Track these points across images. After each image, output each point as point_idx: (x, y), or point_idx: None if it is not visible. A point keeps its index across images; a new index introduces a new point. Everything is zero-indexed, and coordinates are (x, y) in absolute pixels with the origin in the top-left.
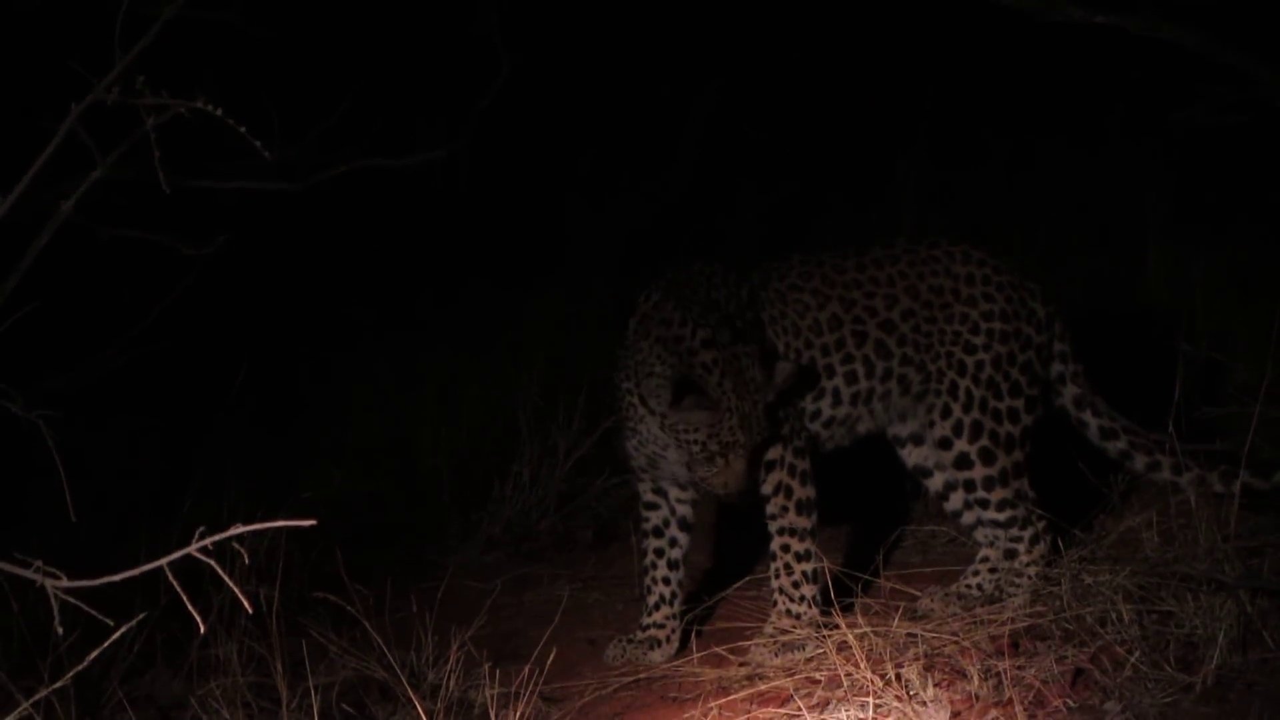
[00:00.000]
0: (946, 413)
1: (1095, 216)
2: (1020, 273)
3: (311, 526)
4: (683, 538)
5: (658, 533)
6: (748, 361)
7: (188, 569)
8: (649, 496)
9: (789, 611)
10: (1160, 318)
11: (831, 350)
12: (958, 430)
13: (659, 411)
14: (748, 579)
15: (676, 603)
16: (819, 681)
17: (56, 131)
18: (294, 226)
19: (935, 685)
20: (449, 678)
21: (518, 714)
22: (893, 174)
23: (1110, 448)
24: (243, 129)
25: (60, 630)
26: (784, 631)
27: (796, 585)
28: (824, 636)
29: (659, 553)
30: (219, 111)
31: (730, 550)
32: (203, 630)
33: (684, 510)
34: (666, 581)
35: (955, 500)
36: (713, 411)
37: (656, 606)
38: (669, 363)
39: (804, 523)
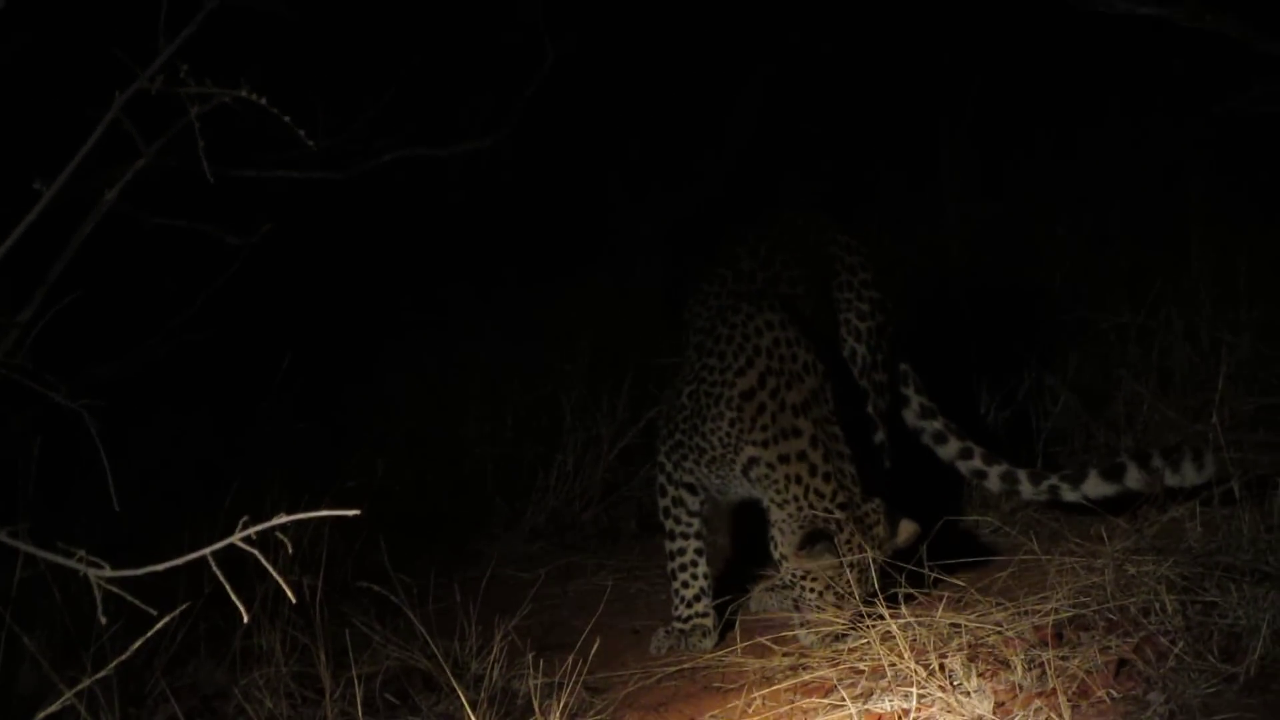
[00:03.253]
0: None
1: (1139, 204)
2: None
3: (355, 516)
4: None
5: (699, 535)
6: (875, 519)
7: (231, 558)
8: (695, 506)
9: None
10: (1204, 307)
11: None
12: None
13: (780, 549)
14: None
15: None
16: (863, 672)
17: (100, 120)
18: (338, 216)
19: (979, 675)
20: (492, 667)
21: (561, 704)
22: (937, 161)
23: (928, 427)
24: (287, 118)
25: (103, 620)
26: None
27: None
28: (868, 627)
29: (699, 551)
30: (263, 100)
31: (764, 541)
32: (246, 620)
33: None
34: (707, 576)
35: None
36: (834, 564)
37: (697, 598)
38: (805, 508)
39: None
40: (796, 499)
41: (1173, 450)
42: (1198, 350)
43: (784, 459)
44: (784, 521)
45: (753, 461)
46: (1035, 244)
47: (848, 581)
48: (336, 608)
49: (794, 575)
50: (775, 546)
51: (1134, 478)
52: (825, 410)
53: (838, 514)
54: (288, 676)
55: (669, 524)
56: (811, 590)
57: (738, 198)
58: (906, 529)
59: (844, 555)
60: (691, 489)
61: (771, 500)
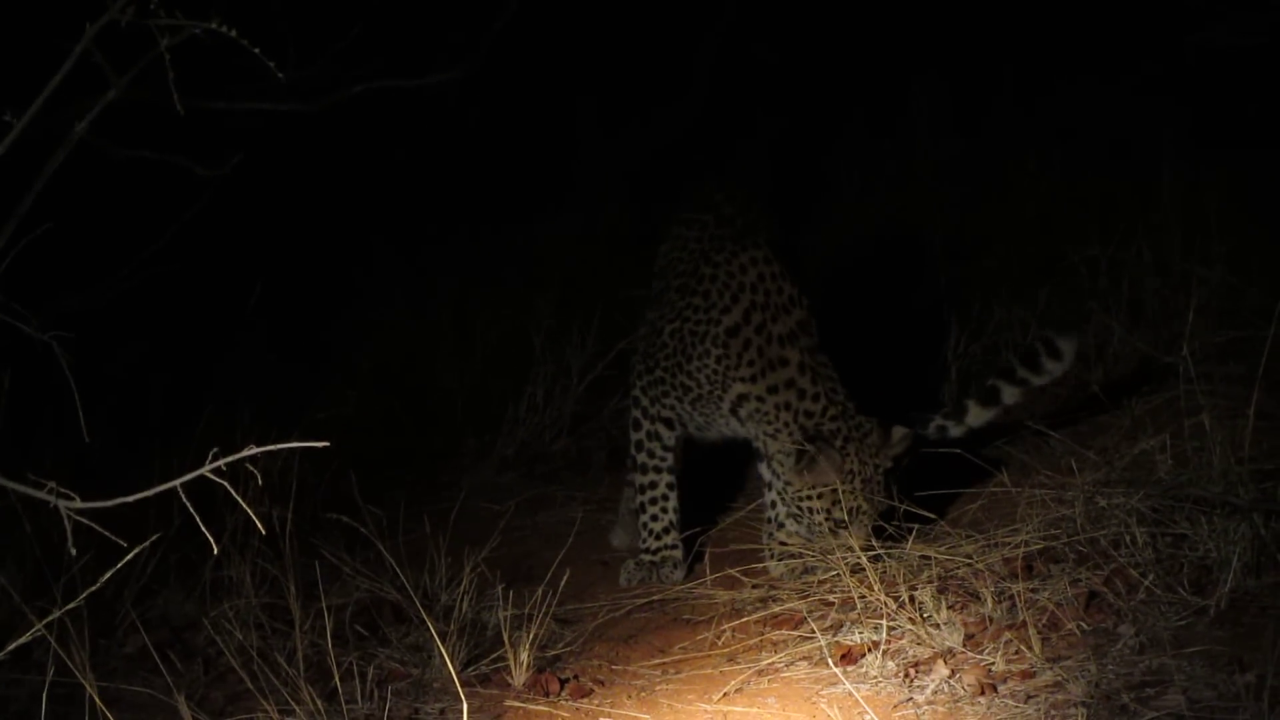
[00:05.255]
0: None
1: (1111, 141)
2: None
3: (325, 448)
4: None
5: (671, 470)
6: (869, 428)
7: (201, 490)
8: (671, 441)
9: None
10: (1174, 239)
11: None
12: None
13: (784, 478)
14: (757, 503)
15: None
16: (832, 604)
17: (71, 52)
18: (310, 151)
19: (949, 608)
20: (462, 599)
21: (531, 635)
22: (905, 100)
23: None
24: (257, 50)
25: (73, 551)
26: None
27: None
28: (838, 559)
29: (671, 486)
30: (233, 33)
31: (735, 476)
32: (216, 551)
33: None
34: (676, 511)
35: None
36: (838, 475)
37: (667, 530)
38: (795, 431)
39: None
40: (788, 424)
41: (1028, 352)
42: (1168, 283)
43: (773, 389)
44: (780, 449)
45: (742, 399)
46: (1006, 178)
47: (853, 494)
48: (306, 539)
49: (799, 503)
50: (776, 478)
51: (1009, 394)
52: (812, 341)
53: (828, 426)
54: (257, 608)
55: (641, 457)
56: (820, 511)
57: (705, 135)
58: (899, 433)
59: (846, 464)
60: (669, 424)
61: (764, 434)
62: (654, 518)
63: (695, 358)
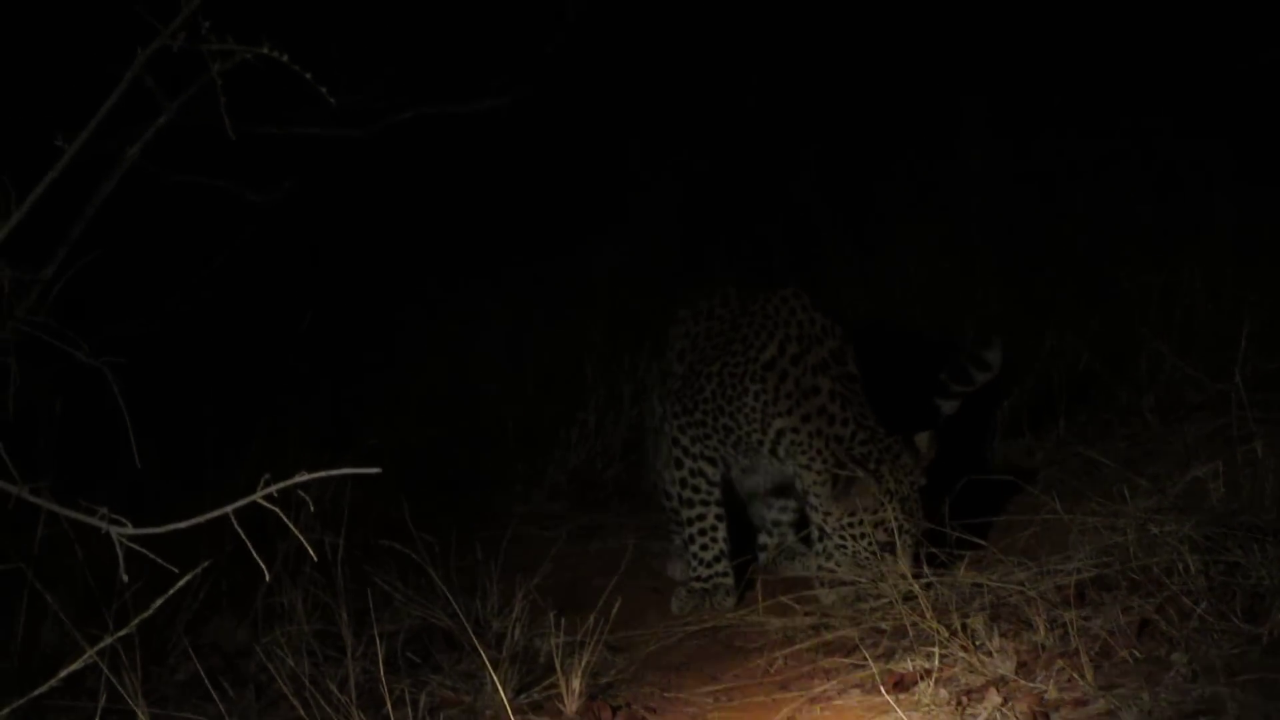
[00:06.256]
0: None
1: (1163, 164)
2: None
3: (377, 474)
4: None
5: (719, 503)
6: (899, 448)
7: (253, 516)
8: (715, 477)
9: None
10: (1229, 267)
11: None
12: None
13: (823, 509)
14: (805, 531)
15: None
16: (885, 631)
17: (122, 77)
18: (361, 176)
19: (1001, 635)
20: (514, 626)
21: (583, 663)
22: (959, 125)
23: None
24: (308, 75)
25: (125, 578)
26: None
27: None
28: (891, 586)
29: (720, 517)
30: (285, 58)
31: None
32: (268, 578)
33: None
34: (726, 540)
35: None
36: (874, 497)
37: (718, 559)
38: (828, 458)
39: None
40: (820, 452)
41: (958, 369)
42: (1220, 309)
43: (806, 418)
44: (816, 479)
45: (780, 434)
46: (1057, 203)
47: (893, 512)
48: (358, 566)
49: (841, 531)
50: (815, 511)
51: (948, 407)
52: (844, 369)
53: (859, 450)
54: (309, 635)
55: (686, 493)
56: (859, 536)
57: (752, 163)
58: (923, 440)
59: (882, 486)
60: (711, 461)
61: (801, 466)
62: (704, 547)
63: (735, 398)
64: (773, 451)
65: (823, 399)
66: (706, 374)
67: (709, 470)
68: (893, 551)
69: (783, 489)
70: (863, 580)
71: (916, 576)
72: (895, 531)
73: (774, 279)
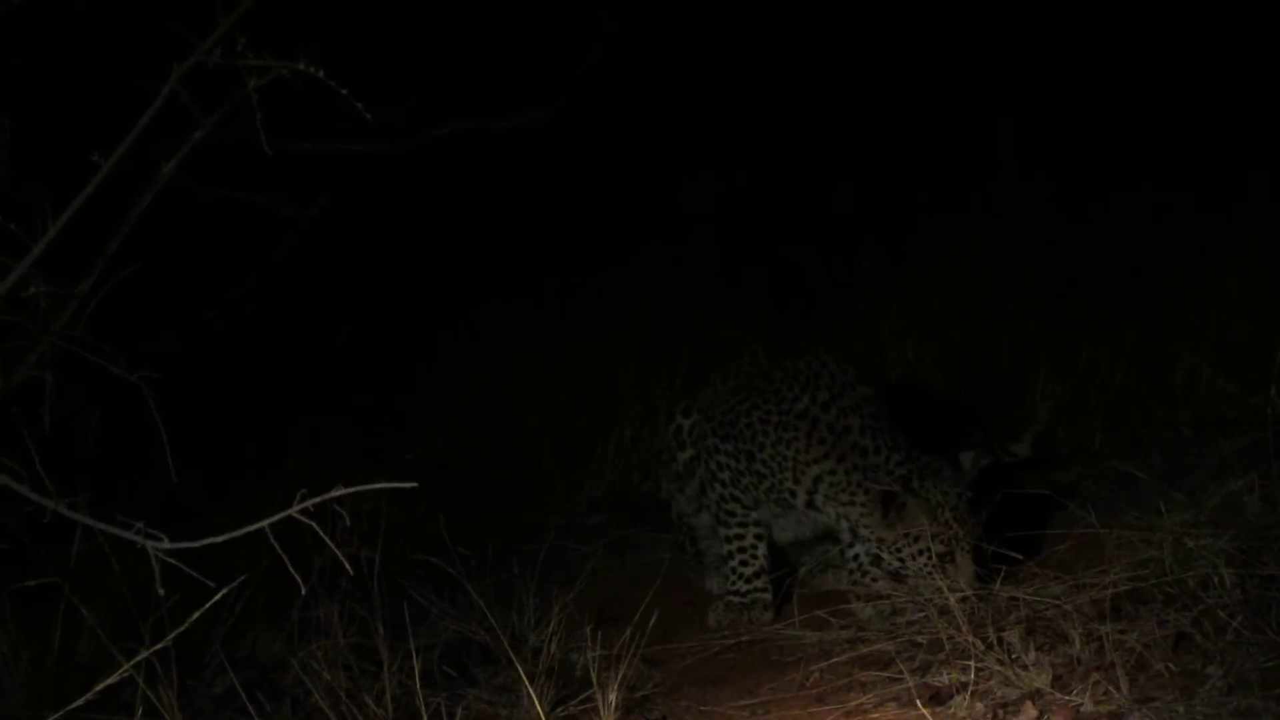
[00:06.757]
0: None
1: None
2: None
3: (413, 488)
4: None
5: (757, 524)
6: (939, 465)
7: (289, 531)
8: (750, 500)
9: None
10: (1265, 282)
11: None
12: None
13: (875, 537)
14: (838, 547)
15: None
16: (921, 645)
17: (159, 93)
18: (397, 192)
19: (1037, 649)
20: (550, 640)
21: (619, 676)
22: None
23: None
24: (344, 90)
25: (161, 592)
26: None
27: None
28: (926, 600)
29: (759, 537)
30: (320, 73)
31: None
32: (304, 592)
33: None
34: (766, 556)
35: None
36: (926, 512)
37: (757, 575)
38: (869, 488)
39: None
40: (860, 484)
41: (982, 446)
42: (1256, 323)
43: (841, 458)
44: (863, 511)
45: (818, 480)
46: (1090, 217)
47: (947, 523)
48: (394, 580)
49: (898, 554)
50: (866, 543)
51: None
52: (874, 409)
53: (899, 472)
54: (345, 648)
55: (722, 515)
56: (919, 554)
57: (791, 179)
58: (967, 460)
59: (930, 501)
60: (743, 503)
61: (843, 504)
62: (743, 563)
63: (769, 445)
64: (809, 504)
65: (854, 435)
66: (742, 410)
67: (743, 496)
68: (953, 561)
69: (824, 536)
70: (899, 594)
71: (981, 581)
72: (952, 540)
73: (804, 343)
